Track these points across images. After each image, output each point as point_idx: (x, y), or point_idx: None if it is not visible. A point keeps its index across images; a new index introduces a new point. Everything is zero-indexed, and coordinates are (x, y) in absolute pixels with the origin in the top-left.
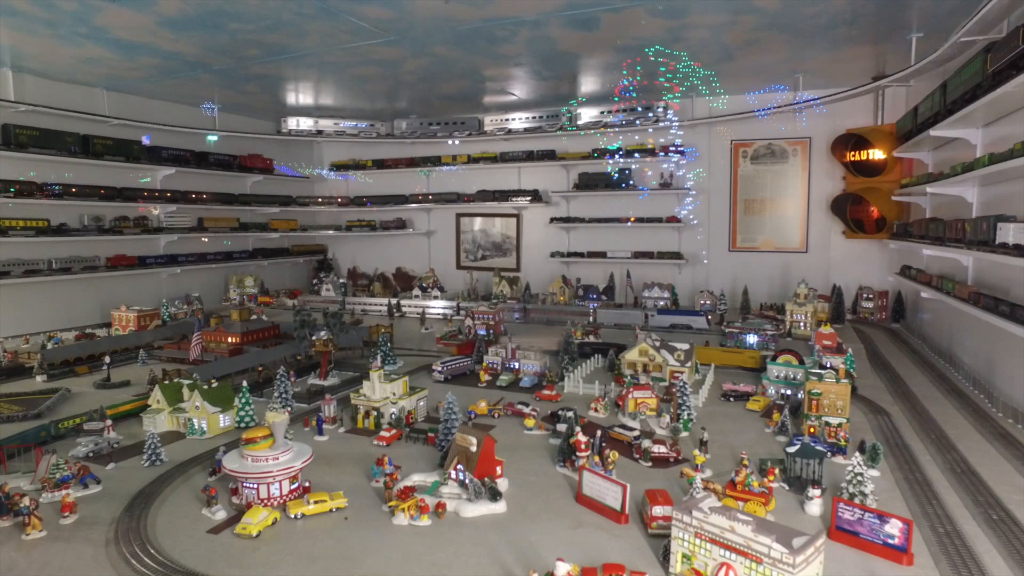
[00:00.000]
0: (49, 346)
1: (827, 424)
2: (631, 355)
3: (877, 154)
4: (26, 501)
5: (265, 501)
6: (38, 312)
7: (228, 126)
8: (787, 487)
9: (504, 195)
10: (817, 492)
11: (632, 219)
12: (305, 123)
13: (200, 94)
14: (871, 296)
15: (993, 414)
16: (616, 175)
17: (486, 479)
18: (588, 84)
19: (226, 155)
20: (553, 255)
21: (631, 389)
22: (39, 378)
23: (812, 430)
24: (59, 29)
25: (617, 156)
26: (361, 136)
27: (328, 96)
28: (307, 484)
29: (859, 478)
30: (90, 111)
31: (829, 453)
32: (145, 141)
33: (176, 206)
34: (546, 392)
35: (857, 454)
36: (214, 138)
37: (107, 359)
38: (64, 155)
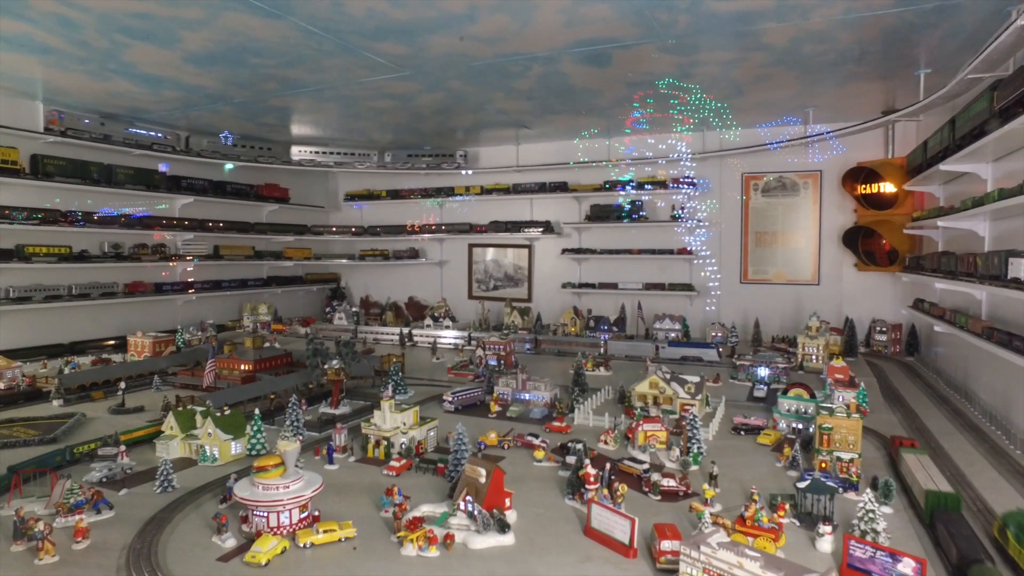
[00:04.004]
0: (66, 371)
1: (838, 459)
2: (641, 387)
3: (888, 187)
4: (40, 526)
5: (275, 530)
6: (56, 337)
7: (246, 155)
8: (798, 523)
9: (516, 226)
10: (828, 529)
11: (636, 251)
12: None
13: (220, 125)
14: (884, 329)
15: (1011, 451)
16: (628, 206)
17: (495, 511)
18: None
19: (243, 184)
20: (564, 286)
21: (641, 422)
22: (55, 403)
23: (823, 465)
24: (90, 65)
25: (628, 188)
26: (371, 167)
27: (342, 127)
28: (317, 513)
29: (871, 515)
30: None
31: (840, 489)
32: (163, 169)
33: (193, 234)
34: (556, 424)
35: (869, 490)
36: (231, 166)
37: (122, 384)
38: (88, 184)
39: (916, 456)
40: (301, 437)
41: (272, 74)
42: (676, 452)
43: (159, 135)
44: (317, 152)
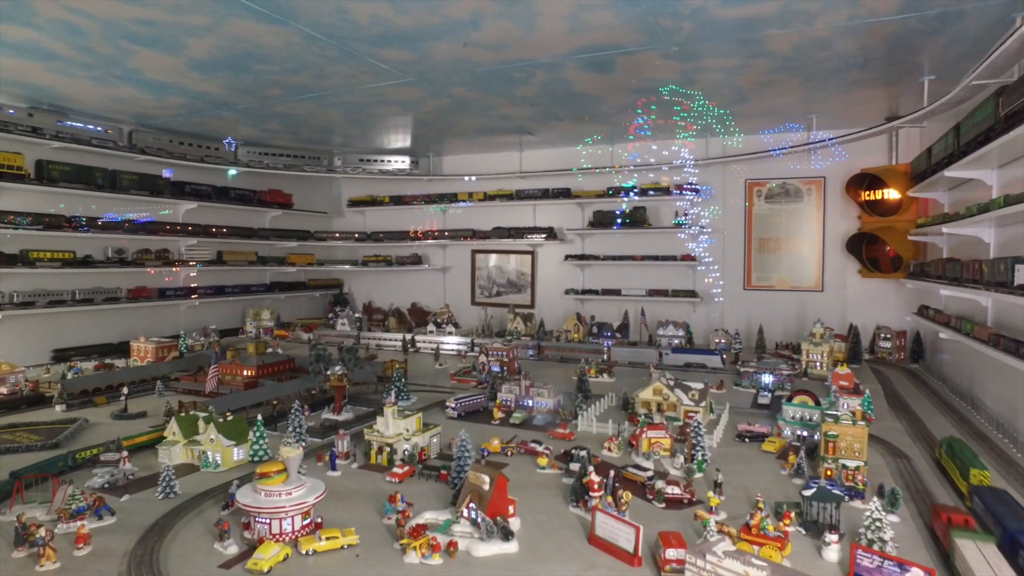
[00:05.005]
0: (69, 376)
1: (844, 467)
2: (645, 394)
3: (892, 194)
4: (42, 532)
5: (277, 536)
6: (59, 342)
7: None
8: (803, 531)
9: (519, 232)
10: (834, 537)
11: (639, 257)
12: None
13: (223, 131)
14: (889, 336)
15: (1018, 459)
16: (630, 212)
17: (498, 518)
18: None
19: (247, 190)
20: (567, 292)
21: (645, 429)
22: (58, 408)
23: (829, 473)
24: (95, 71)
25: (632, 194)
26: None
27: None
28: (319, 520)
29: (878, 523)
30: (116, 147)
31: (847, 497)
32: (167, 175)
33: (197, 239)
34: (559, 430)
35: (875, 498)
36: (234, 172)
37: (125, 390)
38: (92, 189)
39: (976, 544)
40: (304, 443)
41: (276, 80)
42: (680, 459)
43: (98, 129)
44: (265, 154)
